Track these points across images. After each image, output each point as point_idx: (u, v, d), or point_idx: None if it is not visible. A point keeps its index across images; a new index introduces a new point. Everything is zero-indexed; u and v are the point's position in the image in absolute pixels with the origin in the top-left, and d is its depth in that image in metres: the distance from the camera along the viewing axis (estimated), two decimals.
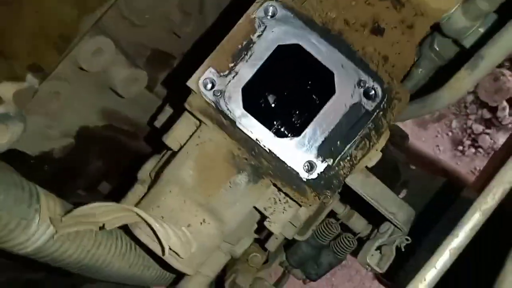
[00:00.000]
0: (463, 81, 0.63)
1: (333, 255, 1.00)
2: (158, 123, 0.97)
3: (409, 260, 0.77)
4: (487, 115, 3.41)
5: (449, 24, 0.76)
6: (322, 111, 0.66)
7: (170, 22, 1.05)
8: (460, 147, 3.32)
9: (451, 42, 0.85)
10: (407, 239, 0.79)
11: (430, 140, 3.36)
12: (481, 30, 0.75)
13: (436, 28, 0.82)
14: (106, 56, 0.87)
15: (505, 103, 3.37)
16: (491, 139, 3.34)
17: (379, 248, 0.82)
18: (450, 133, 3.36)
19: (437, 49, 0.91)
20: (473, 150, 3.33)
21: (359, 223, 0.97)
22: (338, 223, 0.97)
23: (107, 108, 1.05)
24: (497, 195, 0.46)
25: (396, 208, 0.77)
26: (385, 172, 1.46)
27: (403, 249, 0.80)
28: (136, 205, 0.71)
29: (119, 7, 0.91)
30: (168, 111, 0.97)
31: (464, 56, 0.70)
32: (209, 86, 0.66)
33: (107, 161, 1.12)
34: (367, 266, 0.79)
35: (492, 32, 0.75)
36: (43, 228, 0.60)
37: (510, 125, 3.29)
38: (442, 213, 1.36)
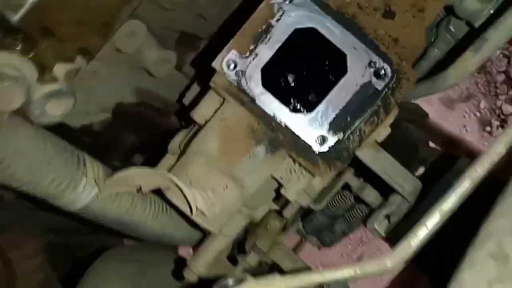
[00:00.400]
0: (468, 62, 0.67)
1: (346, 224, 1.08)
2: (186, 100, 1.05)
3: (406, 224, 0.83)
4: None
5: (462, 7, 0.80)
6: (334, 90, 0.72)
7: (196, 5, 1.12)
8: (488, 128, 3.27)
9: (464, 24, 0.88)
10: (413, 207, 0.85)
11: (457, 120, 3.32)
12: (492, 11, 0.78)
13: (451, 10, 0.85)
14: (139, 39, 0.95)
15: None
16: None
17: (387, 217, 0.88)
18: (478, 114, 3.30)
19: (453, 30, 0.94)
20: (501, 131, 3.27)
21: (371, 195, 1.03)
22: (351, 194, 1.04)
23: (140, 86, 1.14)
24: (486, 166, 0.52)
25: (403, 180, 0.83)
26: (403, 149, 1.50)
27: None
28: (168, 172, 0.80)
29: None
30: (195, 88, 1.05)
31: (471, 36, 0.74)
32: (232, 66, 0.73)
33: (140, 135, 1.22)
34: (375, 232, 0.86)
35: (502, 13, 0.79)
36: (89, 188, 0.70)
37: None
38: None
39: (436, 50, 1.00)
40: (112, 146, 1.18)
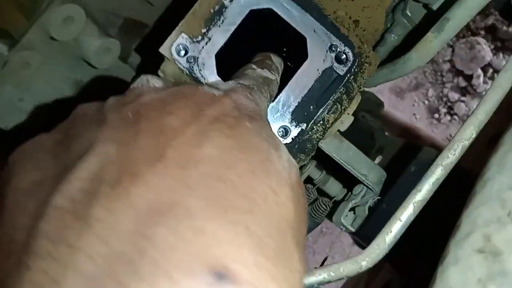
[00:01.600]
0: (431, 44, 0.64)
1: (310, 218, 1.04)
2: None
3: (374, 216, 0.80)
4: (463, 83, 3.48)
5: None
6: (295, 77, 0.67)
7: None
8: (436, 115, 3.41)
9: (421, 7, 0.86)
10: (379, 199, 0.82)
11: (407, 109, 3.43)
12: None
13: None
14: (76, 25, 0.85)
15: (480, 71, 3.44)
16: (466, 106, 3.42)
17: (353, 209, 0.85)
18: (426, 102, 3.43)
19: (409, 14, 0.92)
20: (448, 117, 3.42)
21: (334, 187, 1.00)
22: (314, 188, 1.00)
23: (80, 80, 1.04)
24: (457, 151, 0.49)
25: (367, 170, 0.80)
26: (362, 138, 1.49)
27: (375, 209, 0.83)
28: None
29: None
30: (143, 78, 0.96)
31: (431, 19, 0.71)
32: (182, 52, 0.66)
33: None
34: (341, 226, 0.82)
35: None
36: None
37: (484, 93, 3.37)
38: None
39: (393, 36, 0.98)
40: None
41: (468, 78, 3.31)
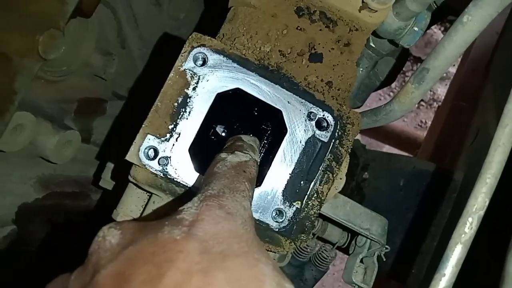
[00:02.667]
0: (412, 95, 0.61)
1: (316, 269, 0.99)
2: (103, 183, 0.89)
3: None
4: None
5: (383, 28, 0.75)
6: (278, 154, 0.62)
7: (91, 67, 0.96)
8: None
9: (386, 41, 0.84)
10: (386, 248, 0.78)
11: (374, 104, 3.45)
12: (416, 28, 0.74)
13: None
14: (27, 131, 0.77)
15: None
16: (430, 90, 3.49)
17: (361, 260, 0.81)
18: (391, 93, 3.47)
19: (374, 46, 0.90)
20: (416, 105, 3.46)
21: (334, 234, 0.96)
22: (314, 238, 0.96)
23: (43, 176, 0.95)
24: (474, 224, 0.45)
25: (369, 223, 0.76)
26: None
27: (384, 259, 0.79)
28: None
29: None
30: (109, 167, 0.89)
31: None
32: (152, 155, 0.60)
33: (58, 231, 1.02)
34: (354, 285, 0.78)
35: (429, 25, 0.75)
36: None
37: (444, 75, 3.44)
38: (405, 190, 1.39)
39: (361, 69, 0.95)
40: (25, 255, 0.97)
41: None
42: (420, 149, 2.30)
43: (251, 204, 0.48)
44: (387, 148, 3.01)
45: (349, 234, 0.95)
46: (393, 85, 3.40)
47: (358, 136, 1.75)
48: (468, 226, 0.45)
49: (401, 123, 3.51)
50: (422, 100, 3.49)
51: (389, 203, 1.47)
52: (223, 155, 0.53)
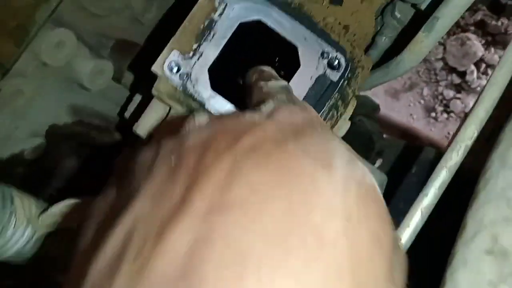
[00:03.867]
0: (422, 44, 0.64)
1: None
2: (128, 114, 0.96)
3: None
4: (457, 80, 3.49)
5: None
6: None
7: (131, 9, 1.03)
8: (433, 114, 3.41)
9: (409, 7, 0.87)
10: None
11: (403, 110, 3.44)
12: None
13: None
14: (68, 49, 0.85)
15: (473, 67, 3.45)
16: (462, 103, 3.43)
17: None
18: (422, 101, 3.43)
19: (398, 16, 0.92)
20: (445, 115, 3.42)
21: None
22: None
23: (75, 103, 1.03)
24: (460, 152, 0.48)
25: None
26: (360, 143, 1.49)
27: None
28: None
29: None
30: (137, 100, 0.96)
31: (420, 19, 0.72)
32: (175, 69, 0.66)
33: (80, 158, 1.10)
34: None
35: None
36: (21, 230, 0.60)
37: (478, 88, 3.38)
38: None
39: (384, 38, 0.98)
40: (49, 173, 1.06)
41: (462, 74, 3.32)
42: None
43: None
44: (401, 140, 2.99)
45: None
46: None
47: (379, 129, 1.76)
48: (455, 153, 0.48)
49: (429, 132, 3.48)
50: (452, 111, 3.44)
51: (401, 188, 1.49)
52: (261, 83, 0.55)
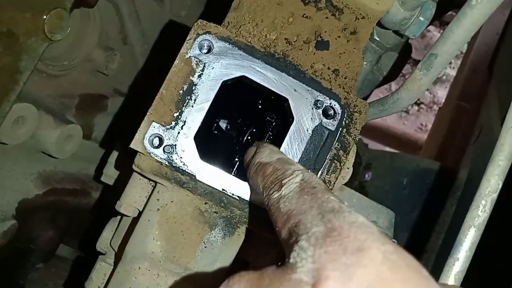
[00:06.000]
0: (420, 82, 0.60)
1: None
2: (105, 178, 0.88)
3: None
4: None
5: (388, 18, 0.74)
6: (285, 142, 0.61)
7: (93, 62, 0.95)
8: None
9: (391, 32, 0.83)
10: (393, 241, 0.77)
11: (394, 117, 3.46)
12: (421, 18, 0.73)
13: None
14: (29, 124, 0.76)
15: None
16: (430, 93, 3.49)
17: None
18: None
19: (378, 39, 0.89)
20: (416, 107, 3.47)
21: None
22: None
23: (44, 172, 0.94)
24: (487, 207, 0.44)
25: (376, 215, 0.75)
26: None
27: None
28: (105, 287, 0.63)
29: None
30: (111, 163, 0.88)
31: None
32: (157, 143, 0.59)
33: (59, 228, 1.01)
34: None
35: (433, 18, 0.74)
36: None
37: (444, 77, 3.45)
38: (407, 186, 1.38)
39: (365, 63, 0.94)
40: (27, 252, 0.96)
41: None
42: (422, 151, 2.30)
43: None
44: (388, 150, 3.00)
45: None
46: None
47: (360, 136, 1.74)
48: (481, 209, 0.44)
49: (402, 126, 3.51)
50: (422, 103, 3.49)
51: (392, 202, 1.46)
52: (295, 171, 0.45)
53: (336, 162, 0.63)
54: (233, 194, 0.59)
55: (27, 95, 0.79)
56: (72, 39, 0.86)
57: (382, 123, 3.12)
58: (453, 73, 2.90)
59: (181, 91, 0.59)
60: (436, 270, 0.54)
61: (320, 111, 0.62)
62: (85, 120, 1.01)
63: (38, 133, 0.80)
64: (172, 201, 0.60)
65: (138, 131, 0.58)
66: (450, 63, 3.33)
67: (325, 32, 0.65)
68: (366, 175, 1.57)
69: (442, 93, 3.42)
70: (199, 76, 0.60)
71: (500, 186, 0.45)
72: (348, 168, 0.66)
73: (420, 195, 1.41)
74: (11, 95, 0.61)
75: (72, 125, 0.86)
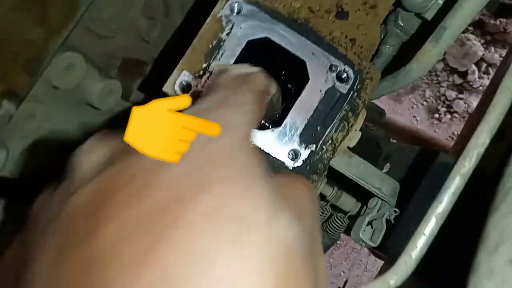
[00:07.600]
0: (430, 53, 0.65)
1: (327, 236, 1.03)
2: None
3: (396, 228, 0.80)
4: (458, 80, 3.49)
5: (409, 0, 0.79)
6: (299, 100, 0.68)
7: (137, 29, 1.05)
8: (436, 115, 3.42)
9: (413, 16, 0.88)
10: (395, 211, 0.82)
11: (407, 112, 3.44)
12: (440, 1, 0.77)
13: (398, 4, 0.84)
14: (77, 72, 0.86)
15: (474, 67, 3.45)
16: (465, 103, 3.43)
17: (370, 223, 0.85)
18: (425, 103, 3.44)
19: (402, 24, 0.94)
20: (449, 116, 3.42)
21: (348, 202, 0.99)
22: (328, 205, 1.00)
23: (86, 122, 1.05)
24: (473, 159, 0.49)
25: (380, 183, 0.80)
26: (367, 149, 1.49)
27: (392, 221, 0.83)
28: None
29: (83, 21, 0.90)
30: None
31: (427, 28, 0.73)
32: (185, 89, 0.67)
33: None
34: (361, 242, 0.82)
35: (451, 2, 0.78)
36: None
37: (480, 88, 3.39)
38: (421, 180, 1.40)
39: (388, 47, 0.99)
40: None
41: (463, 74, 3.33)
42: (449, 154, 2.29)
43: (259, 121, 0.41)
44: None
45: (362, 205, 0.99)
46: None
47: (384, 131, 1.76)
48: (468, 161, 0.49)
49: (433, 134, 3.47)
50: (456, 111, 3.44)
51: (408, 194, 1.48)
52: (225, 66, 0.47)
53: (344, 122, 0.69)
54: None
55: (78, 49, 0.89)
56: (121, 5, 0.97)
57: (412, 127, 3.11)
58: (486, 82, 2.85)
59: (210, 46, 0.67)
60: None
61: (334, 74, 0.68)
62: (125, 82, 1.11)
63: (84, 83, 0.90)
64: None
65: (171, 76, 0.67)
66: (486, 72, 3.25)
67: (346, 4, 0.71)
68: (385, 167, 1.59)
69: (476, 103, 3.36)
70: (228, 33, 0.68)
71: (487, 142, 0.49)
72: (356, 130, 0.72)
73: (438, 191, 1.43)
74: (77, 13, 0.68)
75: (114, 81, 0.96)
